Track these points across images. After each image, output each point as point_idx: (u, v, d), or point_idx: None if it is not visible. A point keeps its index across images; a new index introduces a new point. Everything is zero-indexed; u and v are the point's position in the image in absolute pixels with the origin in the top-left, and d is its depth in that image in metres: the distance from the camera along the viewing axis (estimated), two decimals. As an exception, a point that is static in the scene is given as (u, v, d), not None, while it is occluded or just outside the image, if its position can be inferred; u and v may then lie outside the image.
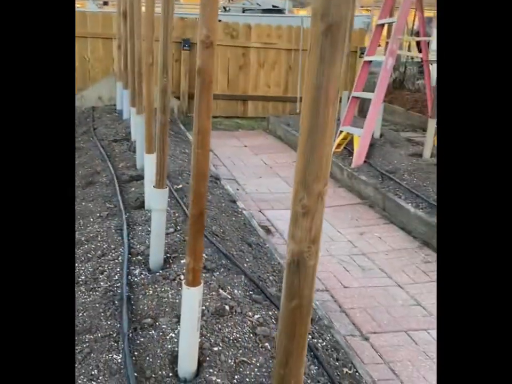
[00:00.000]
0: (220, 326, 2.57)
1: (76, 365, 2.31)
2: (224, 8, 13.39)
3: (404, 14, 6.07)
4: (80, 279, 3.03)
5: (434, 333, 3.16)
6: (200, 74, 1.87)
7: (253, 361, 2.38)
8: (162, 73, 2.65)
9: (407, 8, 6.15)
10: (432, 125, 6.06)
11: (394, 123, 9.10)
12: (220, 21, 8.29)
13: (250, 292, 2.94)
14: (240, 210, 4.59)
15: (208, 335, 2.50)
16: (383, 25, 6.64)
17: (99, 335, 2.51)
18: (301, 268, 1.08)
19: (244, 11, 13.18)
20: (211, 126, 2.00)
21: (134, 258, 3.25)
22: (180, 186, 4.57)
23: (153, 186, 3.07)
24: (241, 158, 7.15)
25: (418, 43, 9.12)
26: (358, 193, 5.67)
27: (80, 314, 2.68)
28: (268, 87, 9.54)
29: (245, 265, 3.33)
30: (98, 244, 3.45)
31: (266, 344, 2.50)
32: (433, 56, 8.09)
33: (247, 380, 2.28)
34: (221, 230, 3.84)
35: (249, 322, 2.63)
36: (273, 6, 12.98)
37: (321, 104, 0.97)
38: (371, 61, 6.64)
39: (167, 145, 2.97)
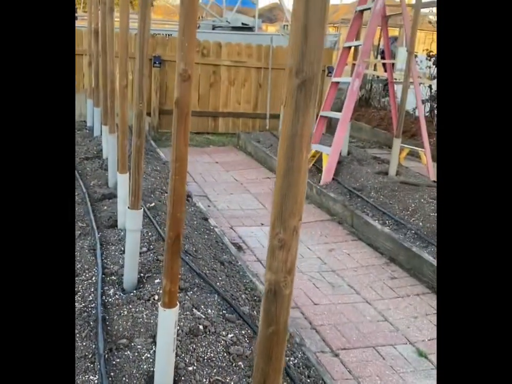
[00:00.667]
0: (194, 346, 2.63)
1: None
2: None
3: (369, 37, 6.30)
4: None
5: (400, 347, 3.29)
6: (178, 106, 1.95)
7: (227, 380, 2.45)
8: (138, 99, 2.72)
9: (373, 31, 6.38)
10: (396, 144, 6.27)
11: (361, 140, 9.36)
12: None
13: (224, 311, 3.01)
14: (212, 228, 4.66)
15: (183, 355, 2.55)
16: (349, 47, 6.86)
17: (75, 356, 2.54)
18: (278, 297, 1.17)
19: (213, 28, 13.32)
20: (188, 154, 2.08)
21: (108, 279, 3.28)
22: (153, 204, 4.61)
23: (128, 207, 3.12)
24: (212, 174, 7.23)
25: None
26: (327, 210, 5.81)
27: (55, 335, 2.70)
28: (238, 104, 9.69)
29: (218, 284, 3.40)
30: (72, 264, 3.47)
31: (240, 363, 2.58)
32: (398, 76, 8.37)
33: (222, 398, 2.34)
34: (194, 249, 3.90)
35: (223, 341, 2.69)
36: (242, 24, 13.15)
37: (296, 148, 1.07)
38: (338, 82, 6.85)
39: (142, 167, 3.03)
